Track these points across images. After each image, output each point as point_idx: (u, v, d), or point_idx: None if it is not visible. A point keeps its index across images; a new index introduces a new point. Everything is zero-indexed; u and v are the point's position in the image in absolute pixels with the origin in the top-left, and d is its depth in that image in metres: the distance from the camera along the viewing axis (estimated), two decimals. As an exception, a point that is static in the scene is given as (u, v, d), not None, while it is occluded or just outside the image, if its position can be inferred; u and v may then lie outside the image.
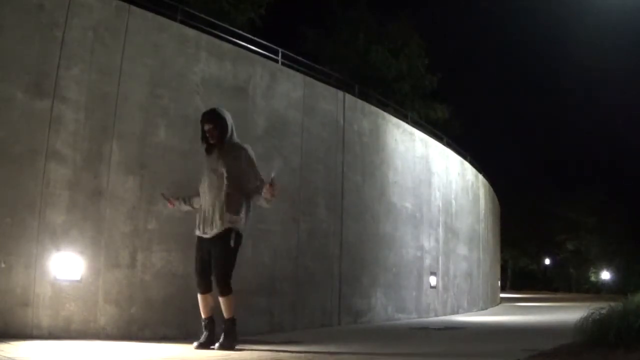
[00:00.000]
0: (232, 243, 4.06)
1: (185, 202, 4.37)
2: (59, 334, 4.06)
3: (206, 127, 4.21)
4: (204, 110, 4.38)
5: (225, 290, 4.06)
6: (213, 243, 4.11)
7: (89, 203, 4.37)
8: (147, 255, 4.65)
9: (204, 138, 4.25)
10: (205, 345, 4.05)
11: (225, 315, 4.10)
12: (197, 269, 4.18)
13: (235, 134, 4.28)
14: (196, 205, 4.30)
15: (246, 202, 4.19)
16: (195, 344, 4.07)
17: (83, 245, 4.30)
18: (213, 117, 4.22)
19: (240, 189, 4.14)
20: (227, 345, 4.01)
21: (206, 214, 4.14)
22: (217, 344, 4.03)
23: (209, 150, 4.26)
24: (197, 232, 4.20)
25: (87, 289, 4.28)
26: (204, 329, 4.15)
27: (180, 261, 4.75)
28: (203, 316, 4.18)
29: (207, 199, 4.15)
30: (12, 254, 3.97)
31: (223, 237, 4.07)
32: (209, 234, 4.11)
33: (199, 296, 4.18)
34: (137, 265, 4.58)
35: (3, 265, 3.92)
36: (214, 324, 4.15)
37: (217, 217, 4.08)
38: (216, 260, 4.09)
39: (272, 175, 4.08)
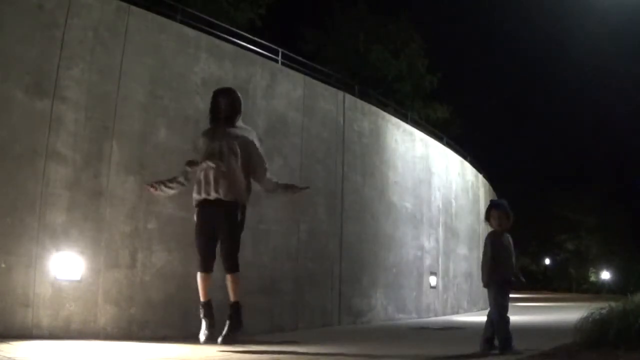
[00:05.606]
0: (239, 216, 4.14)
1: (169, 182, 4.37)
2: (59, 334, 4.06)
3: (222, 100, 4.33)
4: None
5: (237, 266, 4.08)
6: (219, 216, 4.11)
7: (89, 203, 4.37)
8: (147, 255, 4.65)
9: (214, 111, 4.36)
10: (212, 334, 4.02)
11: (234, 297, 4.07)
12: (202, 243, 4.16)
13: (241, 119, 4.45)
14: (184, 177, 4.36)
15: (249, 183, 4.32)
16: (202, 337, 4.03)
17: (83, 245, 4.30)
18: (231, 93, 4.42)
19: (246, 170, 4.28)
20: (233, 338, 3.99)
21: (213, 176, 4.14)
22: (221, 337, 4.00)
23: (214, 123, 4.36)
24: (201, 195, 4.18)
25: (87, 289, 4.28)
26: (203, 317, 4.10)
27: (180, 261, 4.75)
28: (204, 299, 4.12)
29: (215, 164, 4.16)
30: (12, 254, 3.97)
31: (231, 209, 4.11)
32: (214, 196, 4.12)
33: (203, 275, 4.13)
34: (137, 265, 4.58)
35: (3, 265, 3.92)
36: (212, 307, 4.15)
37: (226, 184, 4.12)
38: (228, 234, 4.10)
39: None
